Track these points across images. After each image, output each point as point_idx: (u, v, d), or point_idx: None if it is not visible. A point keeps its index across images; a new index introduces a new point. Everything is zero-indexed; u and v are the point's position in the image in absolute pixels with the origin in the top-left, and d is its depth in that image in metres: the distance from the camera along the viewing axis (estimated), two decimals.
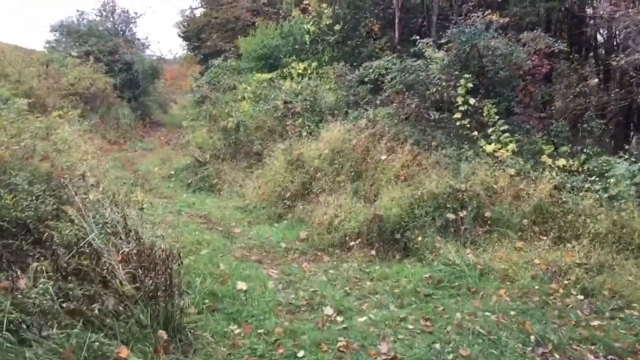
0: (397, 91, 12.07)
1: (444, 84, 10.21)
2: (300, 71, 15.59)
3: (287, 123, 10.92)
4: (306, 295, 5.71)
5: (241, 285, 5.53)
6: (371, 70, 12.75)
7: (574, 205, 7.90)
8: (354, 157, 9.66)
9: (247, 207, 9.50)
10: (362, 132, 10.21)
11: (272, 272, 6.46)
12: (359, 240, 7.42)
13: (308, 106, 12.36)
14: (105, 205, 4.88)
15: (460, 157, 9.48)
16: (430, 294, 5.89)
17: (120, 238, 4.48)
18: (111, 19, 26.34)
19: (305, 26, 16.58)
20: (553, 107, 12.48)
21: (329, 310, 5.21)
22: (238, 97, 15.00)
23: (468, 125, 10.15)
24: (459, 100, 10.18)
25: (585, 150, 10.05)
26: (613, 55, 12.14)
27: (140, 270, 4.19)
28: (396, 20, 15.38)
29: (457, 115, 10.16)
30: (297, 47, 17.00)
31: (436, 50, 11.59)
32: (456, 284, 6.21)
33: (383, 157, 9.45)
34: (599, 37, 13.74)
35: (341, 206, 8.22)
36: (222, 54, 20.91)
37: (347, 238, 7.53)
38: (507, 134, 9.93)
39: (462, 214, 7.68)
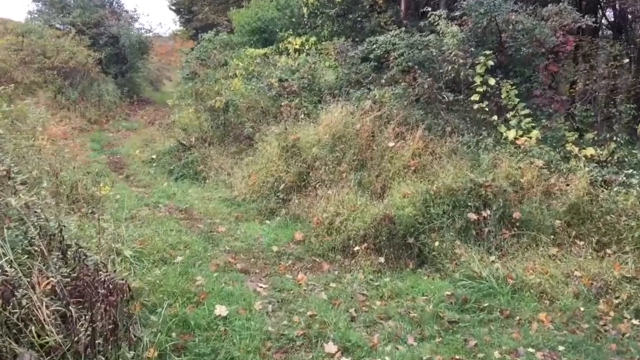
0: (404, 69, 10.85)
1: (461, 61, 8.96)
2: (297, 47, 14.29)
3: (282, 104, 9.68)
4: (302, 321, 4.56)
5: (220, 309, 4.37)
6: (376, 46, 11.46)
7: (612, 203, 6.77)
8: (357, 143, 8.49)
9: (235, 199, 8.33)
10: (366, 114, 9.02)
11: (261, 286, 5.30)
12: (365, 244, 6.26)
13: (306, 85, 11.12)
14: (40, 211, 3.68)
15: (479, 145, 8.31)
16: (456, 320, 4.75)
17: (51, 260, 3.30)
18: None
19: None
20: (575, 89, 11.24)
21: (331, 347, 4.06)
22: (229, 74, 13.70)
23: (487, 109, 8.94)
24: (477, 80, 8.95)
25: (615, 139, 8.88)
26: None
27: (72, 309, 3.02)
28: None
29: (475, 97, 8.94)
30: (294, 20, 15.66)
31: (449, 24, 10.32)
32: (486, 304, 5.09)
33: (391, 144, 8.28)
34: (631, 12, 12.45)
35: (343, 202, 7.05)
36: (214, 28, 19.51)
37: (351, 241, 6.37)
38: (529, 119, 8.75)
39: (486, 213, 6.55)
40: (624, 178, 7.37)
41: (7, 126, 5.45)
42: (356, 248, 6.26)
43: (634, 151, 8.65)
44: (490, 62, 8.83)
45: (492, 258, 6.06)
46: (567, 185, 7.16)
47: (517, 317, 4.89)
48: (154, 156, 10.87)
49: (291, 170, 8.05)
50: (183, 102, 12.53)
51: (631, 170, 7.64)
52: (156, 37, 30.13)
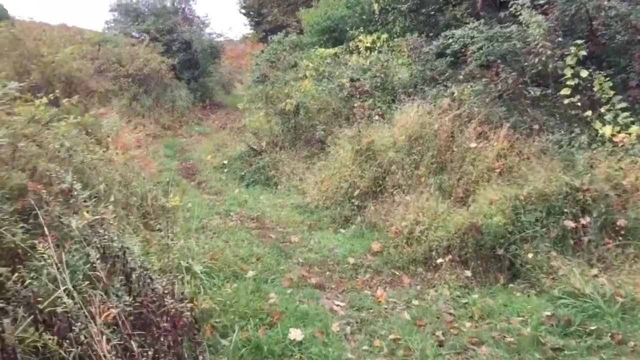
0: (483, 64, 10.19)
1: (549, 52, 8.24)
2: (368, 44, 13.83)
3: (355, 105, 9.26)
4: (384, 345, 4.14)
5: (295, 334, 4.01)
6: (452, 41, 10.85)
7: None
8: (436, 145, 7.96)
9: (308, 206, 7.99)
10: (444, 114, 8.46)
11: (338, 305, 4.91)
12: (449, 256, 5.75)
13: (378, 84, 10.66)
14: (104, 231, 3.44)
15: (572, 143, 7.58)
16: (560, 347, 4.17)
17: (113, 286, 3.04)
18: None
19: None
20: None
21: None
22: (299, 76, 13.44)
23: (579, 104, 8.17)
24: (568, 72, 8.19)
25: None
26: None
27: (134, 343, 2.74)
28: None
29: (565, 91, 8.19)
30: (364, 17, 15.20)
31: (533, 12, 9.56)
32: (593, 327, 4.47)
33: (472, 145, 7.69)
34: None
35: (423, 209, 6.56)
36: (283, 29, 19.37)
37: (433, 253, 5.88)
38: (627, 113, 7.92)
39: (585, 221, 5.88)
40: None
41: (76, 138, 5.30)
42: (439, 260, 5.76)
43: None
44: (583, 52, 8.07)
45: (595, 272, 5.41)
46: None
47: (632, 343, 4.26)
48: (225, 161, 10.74)
49: (366, 175, 7.63)
50: (253, 105, 12.37)
51: None
52: (227, 41, 30.49)
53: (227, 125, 14.19)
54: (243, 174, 9.87)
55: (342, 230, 7.08)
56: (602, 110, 8.10)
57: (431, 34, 12.86)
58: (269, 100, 11.17)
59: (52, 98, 6.94)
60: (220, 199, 8.65)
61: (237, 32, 39.67)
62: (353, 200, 7.53)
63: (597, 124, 7.87)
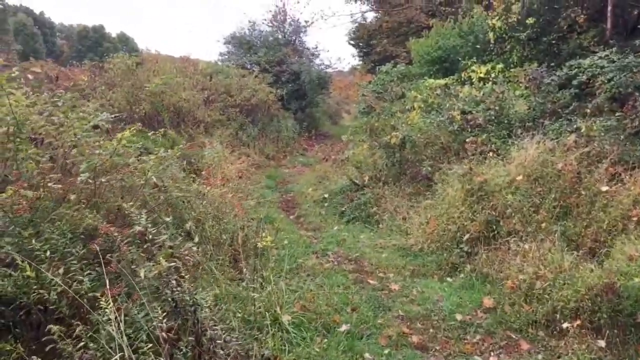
0: (614, 96, 9.13)
1: None
2: (481, 75, 13.03)
3: (467, 139, 8.53)
4: None
5: None
6: (579, 71, 9.86)
7: None
8: (559, 186, 7.06)
9: (411, 249, 7.33)
10: (570, 151, 7.53)
11: None
12: (578, 321, 4.87)
13: (493, 117, 9.86)
14: (175, 283, 3.05)
15: None
16: None
17: (180, 350, 2.61)
18: (282, 29, 25.85)
19: (489, 22, 13.95)
20: None
21: None
22: (406, 107, 12.87)
23: None
24: None
25: None
26: None
27: None
28: (609, 8, 12.17)
29: None
30: (478, 47, 14.42)
31: None
32: None
33: (604, 188, 6.72)
34: None
35: (545, 261, 5.70)
36: (392, 60, 18.96)
37: (558, 315, 5.02)
38: None
39: None
40: None
41: (164, 171, 5.08)
42: (565, 325, 4.90)
43: None
44: None
45: None
46: None
47: None
48: (326, 195, 10.32)
49: (477, 218, 6.86)
50: (357, 137, 11.92)
51: None
52: (336, 73, 30.66)
53: (330, 156, 13.84)
54: (343, 209, 9.39)
55: (448, 279, 6.35)
56: None
57: (552, 64, 11.87)
58: (373, 132, 10.68)
59: (162, 131, 6.86)
60: (318, 236, 8.20)
61: (346, 63, 39.85)
62: (462, 246, 6.78)
63: None
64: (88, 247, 3.16)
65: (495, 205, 6.91)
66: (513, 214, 6.75)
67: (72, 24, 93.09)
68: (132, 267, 2.98)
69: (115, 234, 3.14)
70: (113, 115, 5.19)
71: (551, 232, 6.42)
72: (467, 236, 6.82)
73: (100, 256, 2.95)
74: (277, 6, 25.63)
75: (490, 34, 13.89)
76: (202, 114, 12.04)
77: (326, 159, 13.84)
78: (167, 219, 5.08)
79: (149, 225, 3.39)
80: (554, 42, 13.01)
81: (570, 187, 7.03)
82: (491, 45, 14.03)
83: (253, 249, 5.48)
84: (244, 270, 4.94)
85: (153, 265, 2.97)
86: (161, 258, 3.14)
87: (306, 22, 26.07)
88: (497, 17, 13.75)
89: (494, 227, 6.73)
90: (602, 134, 7.71)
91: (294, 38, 25.75)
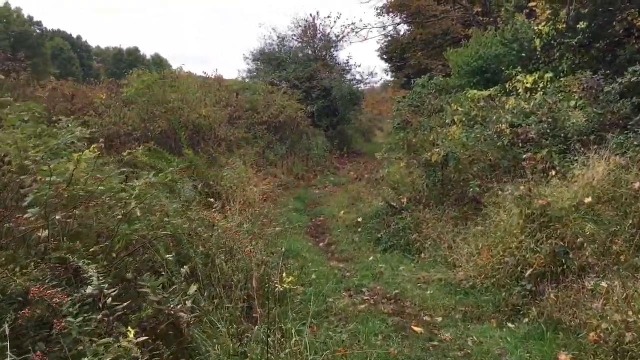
0: None
1: None
2: (528, 85, 11.90)
3: (524, 156, 7.41)
4: None
5: None
6: None
7: None
8: (637, 210, 5.93)
9: (461, 285, 6.24)
10: None
11: None
12: None
13: (547, 131, 8.73)
14: None
15: None
16: None
17: None
18: (312, 44, 25.12)
19: (535, 28, 12.82)
20: None
21: None
22: (446, 121, 11.82)
23: None
24: None
25: None
26: None
27: None
28: None
29: None
30: (523, 55, 13.26)
31: None
32: None
33: None
34: None
35: (631, 303, 4.57)
36: (427, 73, 17.95)
37: None
38: None
39: None
40: None
41: (152, 199, 4.18)
42: None
43: None
44: None
45: None
46: None
47: None
48: (359, 219, 9.31)
49: (542, 250, 5.74)
50: (393, 155, 10.89)
51: None
52: (369, 89, 29.78)
53: (363, 176, 12.84)
54: (380, 236, 8.34)
55: (510, 326, 5.24)
56: None
57: (608, 72, 10.68)
58: (411, 149, 9.64)
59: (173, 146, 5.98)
60: (352, 268, 7.18)
61: (379, 78, 38.99)
62: (524, 283, 5.66)
63: None
64: (20, 316, 2.26)
65: (563, 234, 5.79)
66: (586, 245, 5.63)
67: (108, 47, 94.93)
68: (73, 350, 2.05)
69: (56, 299, 2.23)
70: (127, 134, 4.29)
71: (634, 266, 5.30)
72: (529, 271, 5.70)
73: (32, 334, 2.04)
74: (307, 21, 24.90)
75: (537, 41, 12.75)
76: (224, 132, 11.21)
77: (359, 179, 12.85)
78: (169, 257, 4.17)
79: (105, 286, 2.46)
80: (608, 47, 11.80)
81: None
82: (538, 53, 12.87)
83: (272, 292, 4.49)
84: (259, 321, 3.96)
85: (105, 348, 2.03)
86: (130, 332, 2.19)
87: (337, 36, 25.27)
88: (544, 23, 12.62)
89: (563, 260, 5.61)
90: None
91: (324, 53, 24.97)
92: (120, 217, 3.43)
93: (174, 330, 3.21)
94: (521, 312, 5.39)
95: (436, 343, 4.84)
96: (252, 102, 14.92)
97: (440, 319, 5.43)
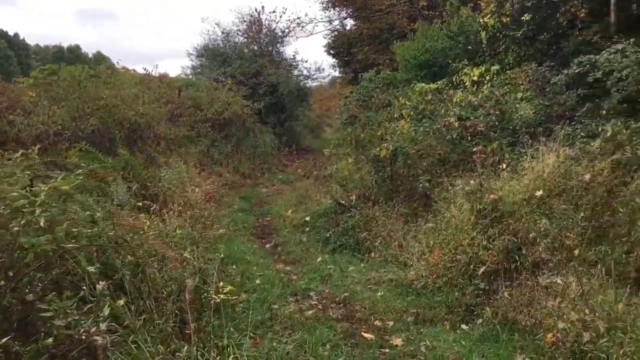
0: (629, 95, 7.97)
1: None
2: (475, 78, 11.82)
3: (475, 149, 7.20)
4: None
5: None
6: (591, 67, 8.66)
7: None
8: (588, 202, 5.80)
9: (412, 285, 5.98)
10: (596, 159, 6.29)
11: None
12: None
13: (495, 123, 8.62)
14: None
15: None
16: None
17: None
18: (258, 39, 24.59)
19: (481, 20, 12.75)
20: None
21: None
22: (394, 116, 11.61)
23: None
24: None
25: None
26: None
27: None
28: (612, 0, 11.06)
29: None
30: (469, 48, 13.21)
31: None
32: None
33: None
34: None
35: (587, 300, 4.38)
36: (374, 68, 17.75)
37: None
38: None
39: None
40: None
41: (63, 205, 3.71)
42: None
43: None
44: None
45: None
46: None
47: None
48: (307, 218, 8.96)
49: (494, 246, 5.53)
50: (341, 150, 10.59)
51: None
52: (317, 84, 29.51)
53: (311, 172, 12.50)
54: (328, 235, 8.02)
55: (464, 327, 5.00)
56: None
57: (553, 63, 10.70)
58: (358, 144, 9.35)
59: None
60: (299, 271, 6.83)
61: (326, 74, 38.77)
62: (476, 281, 5.43)
63: None
64: None
65: (516, 229, 5.59)
66: (538, 240, 5.44)
67: (48, 44, 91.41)
68: None
69: None
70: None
71: (588, 260, 5.15)
72: (482, 269, 5.47)
73: None
74: (252, 16, 24.33)
75: (482, 34, 12.69)
76: (164, 130, 10.64)
77: (307, 176, 12.50)
78: (91, 269, 3.70)
79: None
80: (553, 39, 11.84)
81: (603, 202, 5.79)
82: (483, 45, 12.83)
83: (208, 303, 4.08)
84: (192, 337, 3.55)
85: None
86: None
87: (282, 31, 24.82)
88: (489, 15, 12.57)
89: (516, 257, 5.41)
90: (634, 138, 6.46)
91: (270, 49, 24.48)
92: (17, 228, 2.96)
93: (88, 356, 2.78)
94: (475, 313, 5.16)
95: (387, 350, 4.54)
96: (195, 99, 14.33)
97: (391, 323, 5.14)
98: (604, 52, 8.57)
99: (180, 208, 7.10)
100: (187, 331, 3.63)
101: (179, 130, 11.46)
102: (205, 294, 4.15)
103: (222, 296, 3.98)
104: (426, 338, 4.77)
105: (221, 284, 4.18)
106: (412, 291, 5.86)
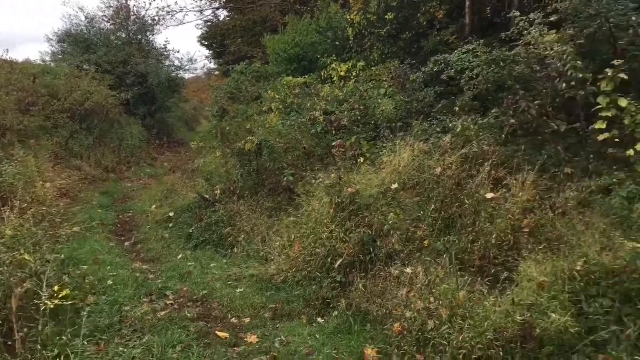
0: (480, 93, 8.50)
1: (580, 76, 6.50)
2: (343, 73, 12.08)
3: (334, 143, 7.31)
4: None
5: None
6: (445, 66, 9.13)
7: None
8: (439, 195, 6.10)
9: (273, 280, 5.95)
10: (447, 154, 6.63)
11: None
12: None
13: (358, 118, 8.82)
14: None
15: (618, 192, 5.78)
16: None
17: None
18: (125, 26, 23.38)
19: (348, 17, 13.02)
20: None
21: None
22: (264, 109, 11.55)
23: (617, 140, 6.44)
24: (602, 101, 6.47)
25: None
26: None
27: None
28: (467, 3, 11.74)
29: (600, 124, 6.46)
30: (338, 44, 13.46)
31: (545, 30, 7.87)
32: None
33: (489, 196, 5.83)
34: None
35: (435, 291, 4.58)
36: (247, 60, 17.58)
37: None
38: None
39: None
40: None
41: None
42: None
43: None
44: (623, 76, 6.34)
45: None
46: None
47: None
48: (171, 214, 8.64)
49: (351, 239, 5.63)
50: (208, 144, 10.34)
51: None
52: (193, 76, 28.76)
53: (178, 166, 12.11)
54: (191, 231, 7.78)
55: (320, 320, 5.03)
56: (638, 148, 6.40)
57: (414, 61, 11.19)
58: (225, 137, 9.17)
59: None
60: (157, 269, 6.54)
61: (202, 65, 37.89)
62: (334, 274, 5.51)
63: None
64: None
65: (371, 222, 5.73)
66: (392, 232, 5.62)
67: None
68: None
69: None
70: None
71: (436, 250, 5.40)
72: (339, 261, 5.55)
73: None
74: (119, 2, 23.09)
75: (349, 30, 12.99)
76: (10, 120, 9.75)
77: (173, 170, 12.09)
78: None
79: None
80: (414, 38, 12.38)
81: (452, 195, 6.11)
82: (351, 42, 13.13)
83: (42, 311, 3.75)
84: (18, 349, 3.23)
85: None
86: None
87: (152, 19, 23.83)
88: (356, 13, 12.88)
89: (371, 248, 5.55)
90: (481, 133, 6.89)
91: (139, 37, 23.39)
92: None
93: None
94: (331, 305, 5.22)
95: (241, 349, 4.45)
96: (51, 87, 13.30)
97: (248, 320, 5.06)
98: (456, 51, 9.06)
99: (25, 205, 6.52)
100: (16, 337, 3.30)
101: (31, 121, 10.56)
102: (39, 300, 3.81)
103: (56, 302, 3.67)
104: (282, 333, 4.75)
105: (56, 288, 3.86)
106: (272, 286, 5.82)
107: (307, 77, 12.38)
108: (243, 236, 7.16)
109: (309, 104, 9.65)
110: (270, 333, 4.78)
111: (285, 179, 7.68)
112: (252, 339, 4.63)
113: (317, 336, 4.66)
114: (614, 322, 3.97)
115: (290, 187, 7.61)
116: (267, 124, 9.86)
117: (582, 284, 4.22)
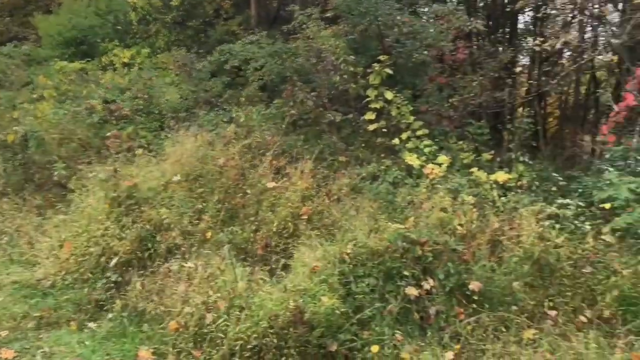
0: (265, 83, 8.69)
1: (351, 69, 6.92)
2: (126, 60, 11.41)
3: (109, 133, 6.84)
4: None
5: None
6: (230, 56, 9.11)
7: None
8: (222, 185, 6.06)
9: (40, 284, 5.36)
10: (230, 144, 6.61)
11: None
12: None
13: (141, 107, 8.41)
14: None
15: (385, 178, 6.31)
16: None
17: None
18: None
19: (130, 1, 12.31)
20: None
21: None
22: (34, 97, 10.40)
23: (385, 130, 7.01)
24: (371, 94, 6.99)
25: (521, 159, 7.34)
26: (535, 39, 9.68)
27: None
28: None
29: (370, 115, 6.97)
30: (120, 28, 12.68)
31: (322, 25, 8.27)
32: None
33: (270, 185, 5.95)
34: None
35: (214, 284, 4.50)
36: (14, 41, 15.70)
37: (237, 359, 3.87)
38: (429, 142, 6.98)
39: (429, 285, 4.47)
40: (561, 211, 5.76)
41: None
42: None
43: (541, 173, 7.17)
44: (388, 71, 6.89)
45: (450, 356, 3.98)
46: (512, 228, 5.43)
47: None
48: None
49: (127, 235, 5.30)
50: None
51: (564, 199, 6.11)
52: None
53: None
54: None
55: (91, 325, 4.64)
56: (403, 137, 7.07)
57: (201, 50, 11.02)
58: None
59: None
60: None
61: None
62: (109, 274, 5.13)
63: (406, 154, 6.75)
64: None
65: (150, 216, 5.46)
66: (172, 225, 5.42)
67: None
68: None
69: None
70: None
71: (219, 242, 5.33)
72: (114, 260, 5.19)
73: None
74: None
75: (132, 15, 12.32)
76: None
77: None
78: None
79: None
80: (200, 27, 12.17)
81: (235, 185, 6.11)
82: (134, 26, 12.47)
83: None
84: None
85: None
86: None
87: None
88: None
89: (150, 244, 5.29)
90: (263, 123, 6.99)
91: None
92: None
93: None
94: (105, 308, 4.85)
95: None
96: None
97: (5, 333, 4.47)
98: (239, 41, 9.10)
99: None
100: None
101: None
102: None
103: None
104: (45, 344, 4.28)
105: None
106: (38, 292, 5.24)
107: (85, 62, 11.44)
108: (6, 239, 6.36)
109: (84, 92, 8.92)
110: (32, 345, 4.28)
111: (57, 173, 6.99)
112: (8, 354, 4.10)
113: (87, 343, 4.30)
114: (378, 300, 4.29)
115: (62, 182, 6.95)
116: (38, 112, 8.89)
117: (351, 266, 4.48)
